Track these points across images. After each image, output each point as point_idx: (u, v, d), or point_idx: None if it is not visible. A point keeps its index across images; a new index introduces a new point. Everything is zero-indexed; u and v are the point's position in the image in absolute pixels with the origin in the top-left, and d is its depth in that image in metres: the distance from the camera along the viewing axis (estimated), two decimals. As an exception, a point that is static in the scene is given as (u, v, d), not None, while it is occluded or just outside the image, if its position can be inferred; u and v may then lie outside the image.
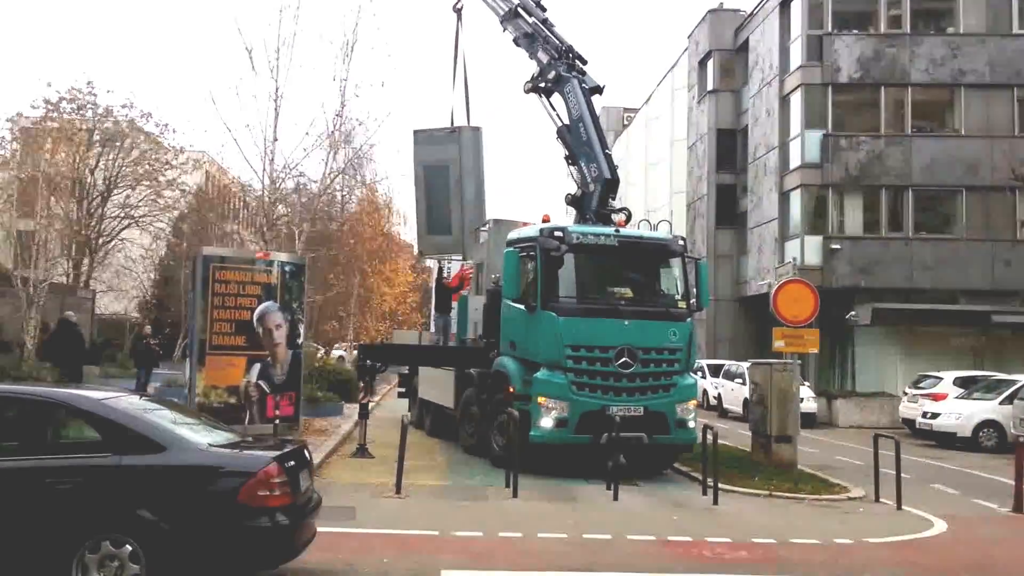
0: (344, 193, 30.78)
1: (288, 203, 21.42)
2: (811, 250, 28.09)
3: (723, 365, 27.77)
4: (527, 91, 16.79)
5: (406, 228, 38.89)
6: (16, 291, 23.82)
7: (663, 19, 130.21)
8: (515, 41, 17.35)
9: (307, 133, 17.98)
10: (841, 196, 28.47)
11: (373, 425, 14.89)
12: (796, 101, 29.33)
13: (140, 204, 35.16)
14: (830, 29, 28.69)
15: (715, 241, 34.91)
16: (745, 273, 33.13)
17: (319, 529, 6.83)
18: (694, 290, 13.87)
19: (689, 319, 13.77)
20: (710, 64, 36.17)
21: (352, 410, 18.09)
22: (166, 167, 34.92)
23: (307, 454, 6.88)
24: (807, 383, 25.36)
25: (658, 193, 43.09)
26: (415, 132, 18.11)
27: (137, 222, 35.48)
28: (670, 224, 16.06)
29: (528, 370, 13.05)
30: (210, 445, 6.16)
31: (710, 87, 35.92)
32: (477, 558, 7.94)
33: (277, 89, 16.40)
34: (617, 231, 13.70)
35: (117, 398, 6.47)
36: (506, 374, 13.46)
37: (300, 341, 12.61)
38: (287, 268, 12.26)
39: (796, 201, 29.08)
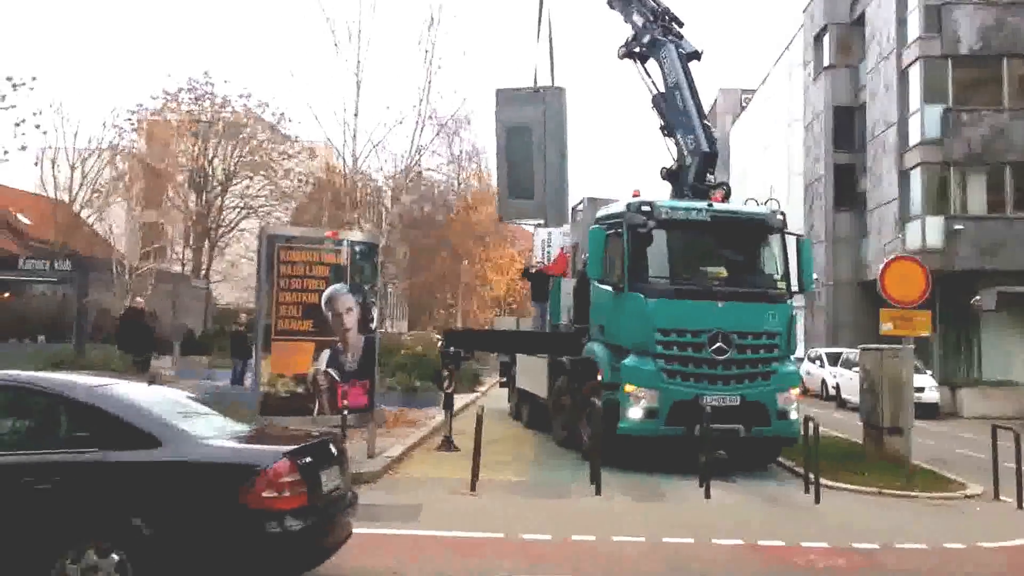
0: (451, 179, 31.12)
1: (371, 184, 21.36)
2: (933, 231, 26.38)
3: (841, 353, 26.42)
4: (621, 56, 16.06)
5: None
6: (113, 278, 24.28)
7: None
8: (609, 3, 16.59)
9: (387, 107, 18.15)
10: (963, 174, 26.62)
11: (468, 416, 14.42)
12: (915, 75, 27.58)
13: (259, 194, 36.11)
14: (948, -2, 26.92)
15: (834, 223, 33.26)
16: (866, 256, 31.40)
17: (375, 531, 6.26)
18: (796, 270, 13.10)
19: (789, 301, 12.95)
20: (826, 39, 34.46)
21: (456, 400, 17.91)
22: (283, 156, 35.79)
23: (333, 449, 6.06)
24: (929, 371, 23.90)
25: (776, 175, 41.46)
26: (497, 91, 17.45)
27: (256, 212, 36.33)
28: (777, 202, 15.31)
29: (618, 356, 12.31)
30: (214, 439, 5.50)
31: (826, 63, 34.21)
32: (535, 565, 7.26)
33: (359, 63, 16.44)
34: (710, 205, 12.81)
35: (109, 385, 5.82)
36: (595, 361, 12.80)
37: (374, 326, 12.04)
38: (358, 248, 11.77)
39: (916, 180, 27.37)
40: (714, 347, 12.02)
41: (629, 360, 12.15)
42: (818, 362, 27.71)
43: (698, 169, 14.27)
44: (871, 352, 14.05)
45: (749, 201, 14.80)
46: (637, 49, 15.71)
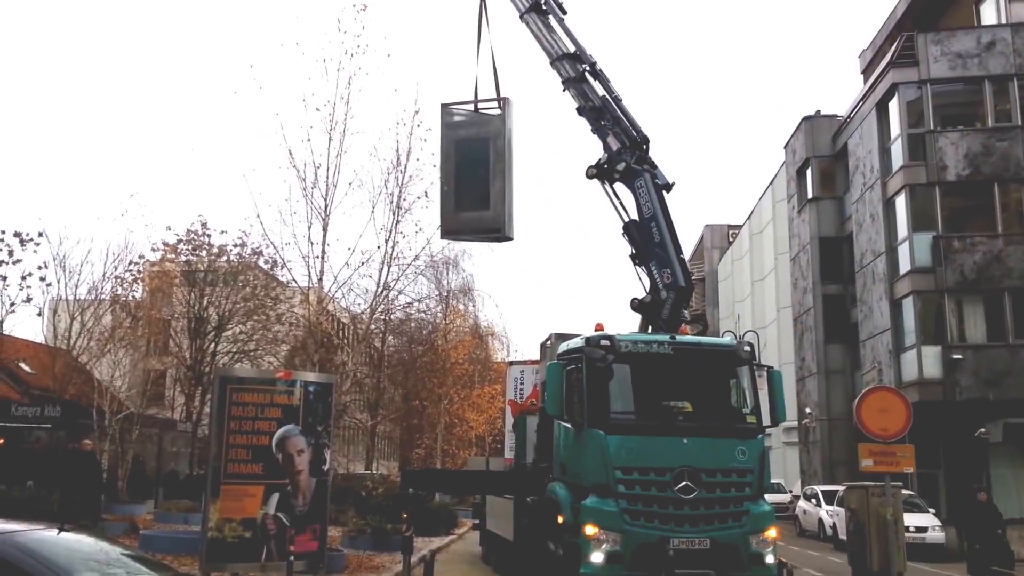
0: (439, 320, 31.19)
1: (337, 326, 21.72)
2: (930, 362, 25.90)
3: (837, 491, 25.39)
4: (590, 177, 15.66)
5: (504, 349, 38.70)
6: (93, 423, 24.47)
7: (764, 132, 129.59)
8: (579, 111, 16.34)
9: (350, 249, 18.50)
10: (959, 302, 26.35)
11: (445, 561, 13.79)
12: (901, 203, 27.80)
13: (252, 339, 36.31)
14: (932, 127, 27.34)
15: (825, 356, 32.82)
16: (860, 389, 30.82)
17: None
18: (767, 403, 12.55)
19: (760, 436, 12.36)
20: (808, 172, 35.03)
21: (426, 544, 17.19)
22: (276, 301, 36.16)
23: None
24: (932, 510, 22.85)
25: (766, 309, 41.43)
26: (443, 106, 17.17)
27: (249, 356, 36.51)
28: (756, 335, 14.87)
29: (579, 497, 11.63)
30: None
31: (810, 195, 34.64)
32: None
33: (327, 207, 16.78)
34: (673, 338, 12.42)
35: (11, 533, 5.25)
36: (556, 501, 12.13)
37: (326, 468, 11.71)
38: (311, 388, 11.58)
39: (909, 309, 27.10)
40: (680, 486, 11.34)
41: (590, 500, 11.49)
42: (814, 500, 26.69)
43: (674, 304, 13.96)
44: (857, 489, 13.41)
45: (748, 334, 14.45)
46: (609, 173, 15.38)
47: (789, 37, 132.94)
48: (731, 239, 51.71)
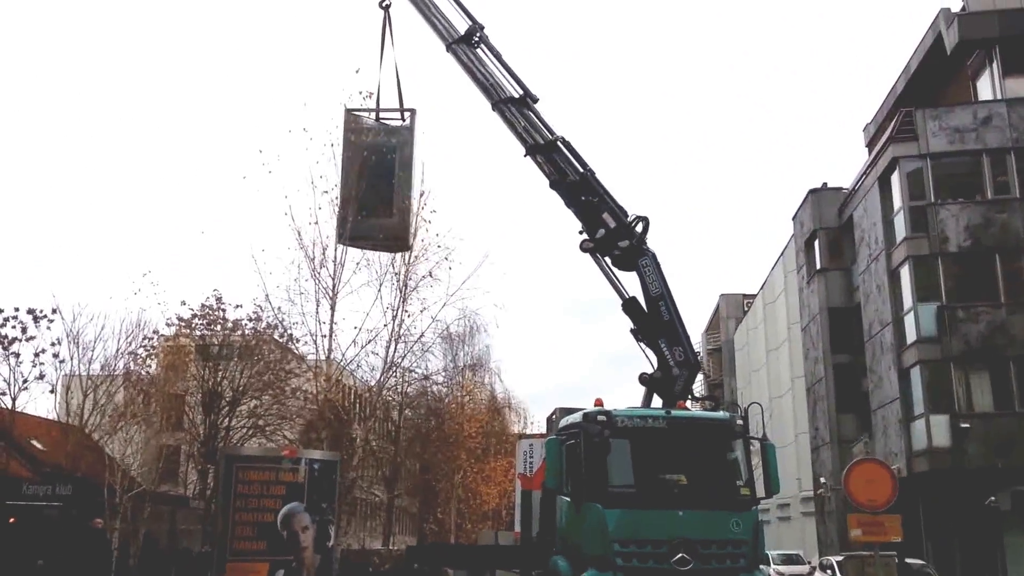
0: (455, 393, 31.47)
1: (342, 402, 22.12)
2: (939, 430, 25.91)
3: (851, 562, 25.27)
4: (584, 250, 15.76)
5: (520, 421, 38.76)
6: (105, 501, 24.56)
7: (778, 204, 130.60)
8: (554, 185, 16.31)
9: (356, 328, 19.09)
10: (965, 371, 26.44)
11: None
12: (905, 274, 28.15)
13: (267, 413, 36.56)
14: (933, 199, 27.83)
15: (838, 425, 32.80)
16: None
17: None
18: (759, 475, 12.79)
19: (754, 507, 12.59)
20: (816, 244, 35.51)
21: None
22: (290, 375, 36.51)
23: None
24: (943, 580, 22.67)
25: (780, 379, 41.44)
26: (348, 111, 17.14)
27: (263, 431, 36.73)
28: (761, 407, 15.07)
29: (579, 569, 11.87)
30: None
31: (819, 266, 35.06)
32: None
33: (334, 286, 17.41)
34: (668, 412, 12.85)
35: None
36: (558, 574, 12.36)
37: (331, 544, 11.98)
38: (316, 466, 11.94)
39: (917, 378, 27.21)
40: (676, 558, 11.60)
41: (589, 573, 11.75)
42: (829, 571, 26.46)
43: (686, 381, 14.31)
44: (854, 559, 13.53)
45: (752, 406, 14.72)
46: (606, 249, 15.46)
47: (797, 111, 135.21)
48: (746, 308, 51.97)
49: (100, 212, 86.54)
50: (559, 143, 16.45)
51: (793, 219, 38.56)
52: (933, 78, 31.24)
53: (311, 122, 27.75)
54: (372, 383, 27.51)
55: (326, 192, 23.75)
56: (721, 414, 13.43)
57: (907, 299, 28.08)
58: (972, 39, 28.91)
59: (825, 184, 36.34)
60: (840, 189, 35.36)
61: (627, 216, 15.64)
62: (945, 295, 26.95)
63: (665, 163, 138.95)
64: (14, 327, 25.92)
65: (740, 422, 13.02)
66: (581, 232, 15.96)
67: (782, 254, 42.56)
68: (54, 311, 25.50)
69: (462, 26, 17.58)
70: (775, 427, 36.07)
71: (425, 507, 31.99)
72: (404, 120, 16.92)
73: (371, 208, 16.50)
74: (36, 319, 25.70)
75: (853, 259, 33.20)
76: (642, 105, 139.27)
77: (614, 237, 15.46)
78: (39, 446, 32.55)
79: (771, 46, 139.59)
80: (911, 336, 27.58)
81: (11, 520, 25.69)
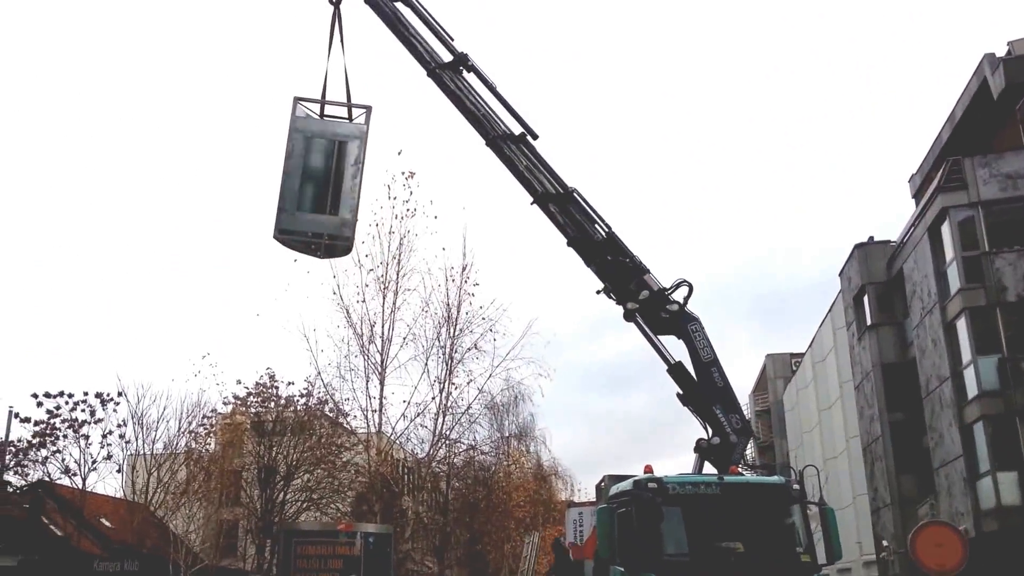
0: (501, 461, 31.44)
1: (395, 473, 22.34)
2: (1007, 488, 25.03)
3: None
4: (629, 312, 15.33)
5: (567, 488, 38.39)
6: None
7: (820, 257, 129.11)
8: (573, 242, 15.69)
9: (405, 402, 19.22)
10: (1032, 424, 25.63)
11: None
12: (962, 327, 27.50)
13: (319, 487, 36.95)
14: (987, 248, 27.36)
15: (899, 486, 31.82)
16: (937, 519, 29.68)
17: None
18: (819, 539, 12.53)
19: (815, 575, 12.33)
20: (865, 299, 34.96)
21: None
22: (341, 449, 36.90)
23: None
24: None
25: (834, 439, 40.49)
26: (297, 99, 15.57)
27: (316, 504, 37.09)
28: (816, 470, 14.79)
29: (638, 645, 11.73)
30: None
31: (869, 322, 34.45)
32: None
33: (383, 362, 17.66)
34: (721, 478, 12.74)
35: None
36: (613, 650, 12.25)
37: None
38: (371, 539, 12.11)
39: (980, 434, 26.37)
40: (736, 630, 11.31)
41: (647, 646, 11.51)
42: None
43: (743, 448, 14.21)
44: (923, 628, 13.06)
45: (807, 468, 14.52)
46: (652, 314, 15.16)
47: (837, 163, 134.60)
48: (794, 368, 51.09)
49: (162, 297, 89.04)
50: (575, 195, 15.86)
51: (840, 275, 38.11)
52: (980, 125, 30.95)
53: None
54: (421, 455, 27.68)
55: (372, 270, 24.37)
56: (776, 478, 13.25)
57: (965, 352, 27.40)
58: (1020, 83, 28.66)
59: (871, 238, 35.93)
60: (887, 242, 34.92)
61: (685, 282, 15.34)
62: (1006, 346, 26.25)
63: (698, 221, 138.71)
64: (83, 411, 27.17)
65: (796, 486, 12.82)
66: (598, 292, 15.74)
67: (830, 311, 41.97)
68: (120, 394, 26.75)
69: (438, 47, 16.64)
70: (832, 489, 35.15)
71: (487, 577, 31.82)
72: (349, 118, 15.67)
73: (312, 202, 14.93)
74: (103, 402, 27.14)
75: (905, 313, 32.60)
76: (670, 159, 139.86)
77: (659, 301, 15.31)
78: (108, 524, 33.47)
79: (805, 104, 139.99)
80: (972, 390, 26.85)
81: None
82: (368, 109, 15.34)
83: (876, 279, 34.49)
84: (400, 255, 26.69)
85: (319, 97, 15.82)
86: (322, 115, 15.53)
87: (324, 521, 28.24)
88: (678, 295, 15.40)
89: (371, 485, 29.82)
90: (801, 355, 49.40)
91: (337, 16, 16.63)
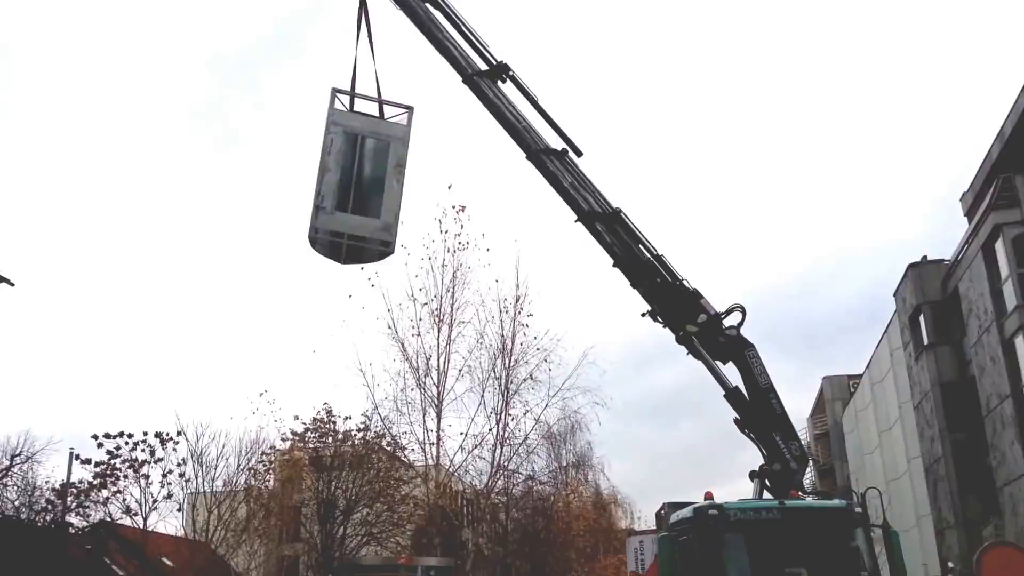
0: (560, 491, 31.54)
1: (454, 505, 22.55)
2: (1077, 508, 24.55)
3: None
4: (686, 336, 14.92)
5: (627, 516, 38.26)
6: None
7: (875, 278, 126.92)
8: (619, 263, 15.23)
9: (462, 434, 19.44)
10: (1097, 442, 25.12)
11: None
12: (1021, 344, 27.12)
13: (378, 521, 37.26)
14: (1043, 264, 27.04)
15: (963, 506, 31.24)
16: (1004, 539, 29.08)
17: None
18: (883, 563, 12.50)
19: (883, 600, 12.29)
20: (921, 319, 34.60)
21: None
22: (399, 483, 37.23)
23: None
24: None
25: (895, 461, 39.84)
26: (336, 90, 14.44)
27: (375, 538, 37.39)
28: (879, 492, 14.69)
29: (704, 671, 11.80)
30: None
31: (926, 342, 34.06)
32: None
33: (439, 395, 17.97)
34: (782, 503, 12.73)
35: None
36: None
37: None
38: (431, 572, 12.25)
39: (1046, 453, 25.96)
40: (803, 658, 11.32)
41: (714, 675, 11.54)
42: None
43: (802, 476, 14.18)
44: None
45: (869, 490, 14.41)
46: (709, 339, 14.81)
47: (887, 180, 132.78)
48: (852, 390, 50.47)
49: (220, 336, 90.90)
50: (621, 214, 15.41)
51: (895, 295, 37.75)
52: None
53: (408, 239, 29.40)
54: (480, 486, 27.96)
55: (425, 304, 24.84)
56: (838, 501, 13.18)
57: (1025, 370, 27.02)
58: (1070, 97, 28.34)
59: (925, 257, 35.60)
60: (941, 261, 34.58)
61: (739, 308, 15.09)
62: (1069, 363, 25.87)
63: (733, 241, 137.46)
64: (143, 451, 27.73)
65: (859, 509, 12.74)
66: (643, 315, 15.39)
67: (886, 331, 41.48)
68: (179, 432, 27.17)
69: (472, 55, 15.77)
70: (895, 512, 34.55)
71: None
72: (411, 118, 14.61)
73: (349, 202, 13.69)
74: (163, 441, 27.56)
75: (963, 332, 32.19)
76: (701, 178, 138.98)
77: (715, 326, 15.02)
78: (169, 563, 33.99)
79: (844, 122, 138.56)
80: (1035, 409, 26.44)
81: None
82: (410, 110, 14.31)
83: (931, 298, 34.12)
84: (454, 288, 27.24)
85: (356, 92, 14.64)
86: (352, 108, 14.39)
87: (384, 555, 28.49)
88: (730, 320, 15.38)
89: (430, 518, 30.10)
90: (859, 377, 48.80)
91: (364, 10, 15.51)
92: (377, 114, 14.58)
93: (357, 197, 13.72)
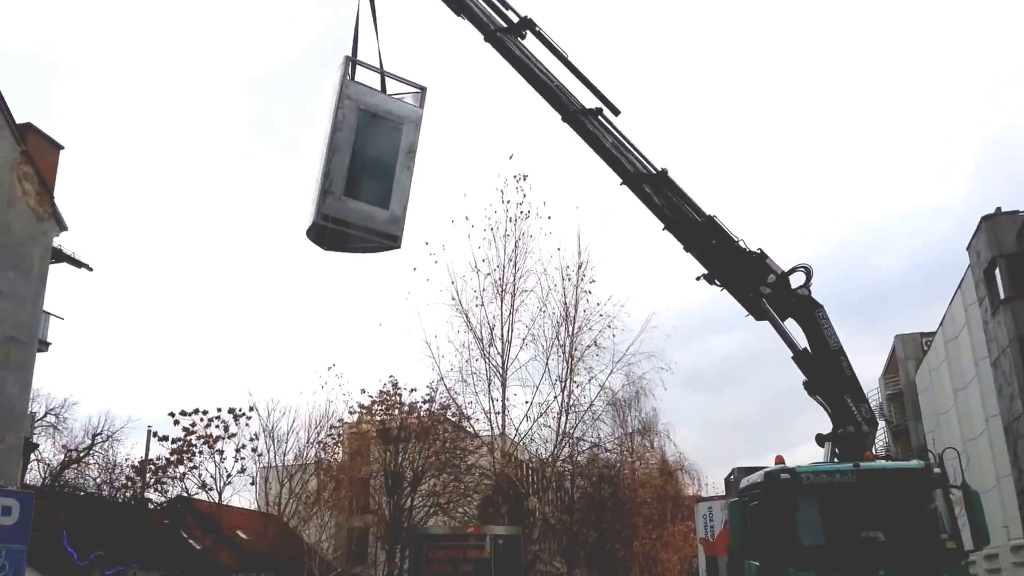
0: (625, 458, 31.34)
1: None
2: None
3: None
4: (759, 298, 14.38)
5: (695, 483, 37.92)
6: None
7: (944, 235, 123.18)
8: (686, 242, 14.51)
9: (527, 402, 19.37)
10: None
11: None
12: (1105, 295, 25.99)
13: (444, 492, 37.61)
14: (1126, 208, 25.73)
15: (1046, 465, 30.17)
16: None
17: None
18: (963, 525, 12.03)
19: (963, 562, 11.80)
20: (997, 273, 33.30)
21: None
22: (466, 453, 37.47)
23: None
24: None
25: (973, 420, 38.57)
26: (348, 59, 12.47)
27: (443, 509, 37.78)
28: (956, 452, 14.18)
29: (781, 643, 11.34)
30: None
31: (1002, 296, 32.79)
32: None
33: (503, 363, 17.88)
34: (856, 465, 12.28)
35: None
36: (757, 645, 11.96)
37: None
38: (501, 541, 12.19)
39: None
40: (882, 621, 10.97)
41: (790, 640, 11.26)
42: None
43: (873, 439, 13.78)
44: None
45: (947, 451, 13.95)
46: (782, 300, 14.31)
47: (954, 135, 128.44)
48: (925, 348, 48.96)
49: (288, 313, 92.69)
50: (668, 174, 14.76)
51: (968, 249, 36.39)
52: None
53: (471, 210, 29.41)
54: (545, 455, 27.94)
55: (489, 275, 24.74)
56: (916, 462, 12.74)
57: (1111, 321, 25.83)
58: None
59: (999, 209, 34.17)
60: (1016, 212, 33.17)
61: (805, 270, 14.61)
62: None
63: (812, 199, 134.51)
64: (217, 427, 28.44)
65: (938, 470, 12.31)
66: (699, 279, 14.95)
67: (960, 287, 40.04)
68: (251, 408, 27.85)
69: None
70: (973, 472, 33.48)
71: (618, 576, 31.75)
72: (424, 100, 12.82)
73: (359, 188, 11.99)
74: (236, 417, 28.27)
75: (1041, 284, 30.91)
76: (770, 129, 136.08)
77: (786, 286, 14.50)
78: (244, 536, 34.92)
79: (917, 69, 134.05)
80: (1120, 362, 25.27)
81: None
82: (422, 91, 12.61)
83: (1007, 251, 32.77)
84: (516, 257, 27.13)
85: (369, 64, 12.57)
86: (352, 77, 12.41)
87: (452, 525, 28.71)
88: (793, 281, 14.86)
89: (497, 487, 30.21)
90: (931, 334, 47.36)
91: None
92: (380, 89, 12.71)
93: (366, 183, 12.10)
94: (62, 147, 23.58)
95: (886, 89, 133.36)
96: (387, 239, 12.25)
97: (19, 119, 22.00)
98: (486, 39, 14.71)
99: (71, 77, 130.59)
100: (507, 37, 14.67)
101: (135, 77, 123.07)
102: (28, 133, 22.36)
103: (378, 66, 12.50)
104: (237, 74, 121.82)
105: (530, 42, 14.78)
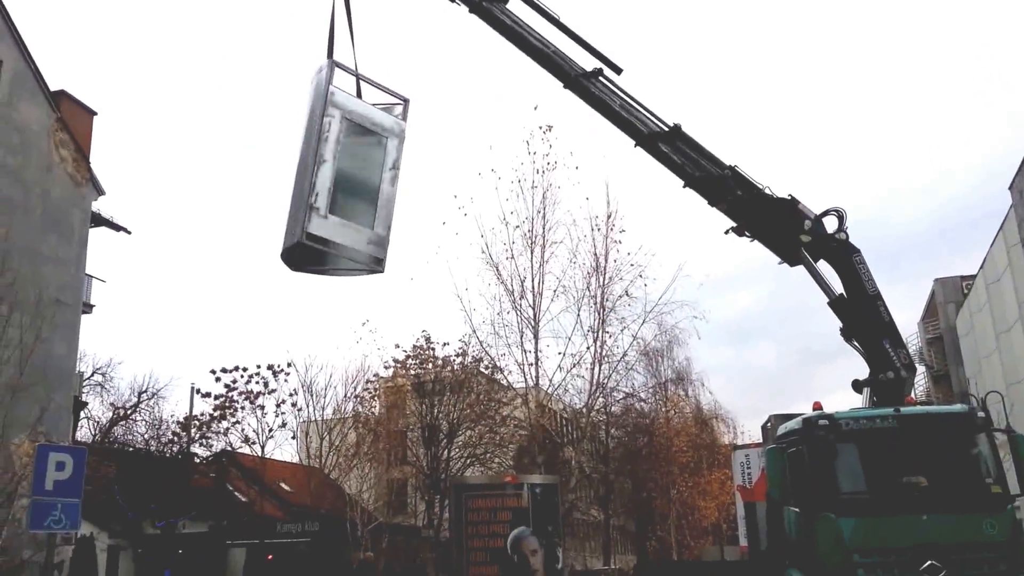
0: (659, 408, 31.33)
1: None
2: None
3: None
4: (782, 249, 14.27)
5: (731, 431, 37.84)
6: (348, 535, 26.18)
7: (982, 175, 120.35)
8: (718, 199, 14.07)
9: (560, 353, 19.37)
10: None
11: None
12: None
13: (480, 443, 37.99)
14: None
15: (1092, 410, 29.63)
16: None
17: None
18: (1008, 469, 11.79)
19: (1010, 506, 11.60)
20: (1042, 211, 32.49)
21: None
22: (500, 405, 37.73)
23: None
24: None
25: (1016, 363, 37.97)
26: (334, 63, 10.92)
27: (479, 459, 38.20)
28: (1001, 396, 13.89)
29: (818, 582, 11.31)
30: None
31: (1048, 235, 32.05)
32: None
33: (535, 315, 17.83)
34: (897, 409, 12.03)
35: None
36: (791, 595, 11.83)
37: (560, 566, 12.21)
38: (538, 490, 12.23)
39: None
40: (926, 566, 10.80)
41: (831, 586, 11.16)
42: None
43: (911, 385, 13.51)
44: None
45: (990, 395, 13.68)
46: (821, 246, 14.02)
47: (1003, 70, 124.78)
48: (965, 291, 48.11)
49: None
50: (682, 129, 14.29)
51: (1010, 188, 35.50)
52: None
53: (498, 163, 29.14)
54: (579, 405, 28.00)
55: (518, 227, 24.58)
56: (959, 406, 12.50)
57: None
58: None
59: (1043, 146, 33.24)
60: (1062, 150, 32.23)
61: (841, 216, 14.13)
62: None
63: (847, 146, 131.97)
64: (258, 383, 28.94)
65: (982, 414, 12.06)
66: (727, 232, 14.63)
67: (1001, 227, 39.16)
68: (290, 364, 28.31)
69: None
70: (1017, 416, 33.03)
71: (642, 525, 31.90)
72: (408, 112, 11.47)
73: (346, 206, 10.62)
74: (275, 373, 28.76)
75: (1087, 222, 30.10)
76: (809, 91, 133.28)
77: (824, 233, 14.09)
78: (287, 488, 35.74)
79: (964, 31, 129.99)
80: None
81: (268, 558, 28.28)
82: (406, 103, 11.38)
83: (1051, 190, 31.98)
84: (544, 208, 26.94)
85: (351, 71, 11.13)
86: (331, 80, 10.85)
87: (490, 475, 28.98)
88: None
89: (532, 437, 30.40)
90: (972, 277, 46.49)
91: None
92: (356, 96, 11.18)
93: (349, 200, 10.71)
94: (95, 113, 23.85)
95: (919, 40, 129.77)
96: (371, 263, 10.95)
97: (52, 87, 22.22)
98: (471, 11, 14.03)
99: (103, 41, 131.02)
100: (493, 6, 13.97)
101: (169, 36, 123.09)
102: (62, 100, 22.62)
103: (353, 67, 11.14)
104: (281, 30, 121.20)
105: (517, 7, 14.04)
